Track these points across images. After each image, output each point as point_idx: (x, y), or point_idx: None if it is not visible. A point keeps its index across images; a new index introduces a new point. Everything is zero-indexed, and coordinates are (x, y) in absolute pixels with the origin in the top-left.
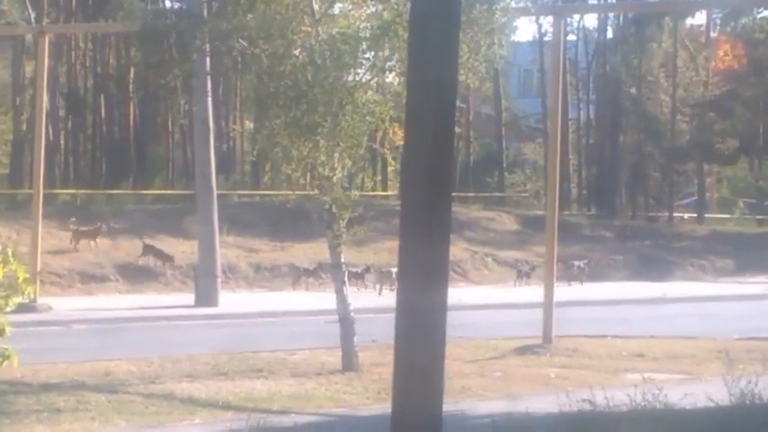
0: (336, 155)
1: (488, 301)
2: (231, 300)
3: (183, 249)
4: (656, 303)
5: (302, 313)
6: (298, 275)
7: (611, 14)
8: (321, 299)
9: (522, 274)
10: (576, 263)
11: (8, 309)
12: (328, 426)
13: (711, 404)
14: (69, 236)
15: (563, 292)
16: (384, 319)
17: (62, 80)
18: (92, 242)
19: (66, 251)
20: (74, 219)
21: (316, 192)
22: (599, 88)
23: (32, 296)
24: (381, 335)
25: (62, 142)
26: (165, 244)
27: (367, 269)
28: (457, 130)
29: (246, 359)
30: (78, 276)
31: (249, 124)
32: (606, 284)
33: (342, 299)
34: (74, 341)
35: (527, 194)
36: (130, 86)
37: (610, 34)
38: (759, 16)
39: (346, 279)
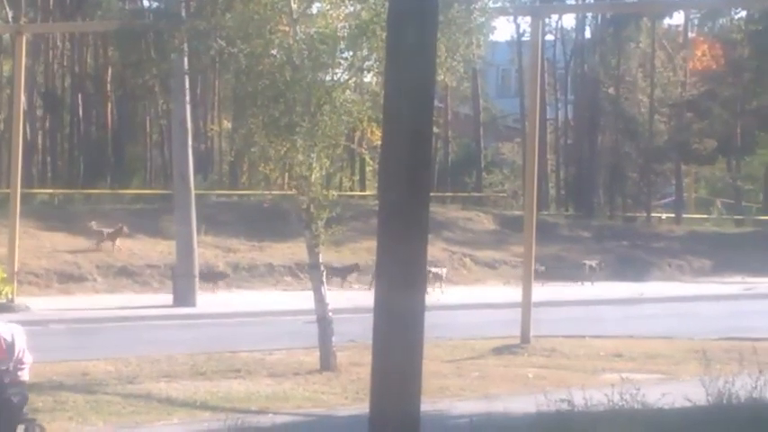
0: (314, 155)
1: (466, 301)
2: (209, 300)
3: (160, 249)
4: (633, 303)
5: (280, 313)
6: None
7: (589, 14)
8: (299, 298)
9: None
10: (588, 262)
11: None
12: (306, 426)
13: (689, 404)
14: (94, 237)
15: (543, 292)
16: (363, 319)
17: (40, 80)
18: (113, 243)
19: (43, 250)
20: (94, 222)
21: (294, 192)
22: (577, 88)
23: (10, 296)
24: (360, 334)
25: (39, 142)
26: (143, 244)
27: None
28: (435, 129)
29: (224, 359)
30: (56, 276)
31: (227, 124)
32: (584, 284)
33: (320, 298)
34: (51, 341)
35: (505, 194)
36: (108, 86)
37: (588, 34)
38: (736, 17)
39: (324, 279)
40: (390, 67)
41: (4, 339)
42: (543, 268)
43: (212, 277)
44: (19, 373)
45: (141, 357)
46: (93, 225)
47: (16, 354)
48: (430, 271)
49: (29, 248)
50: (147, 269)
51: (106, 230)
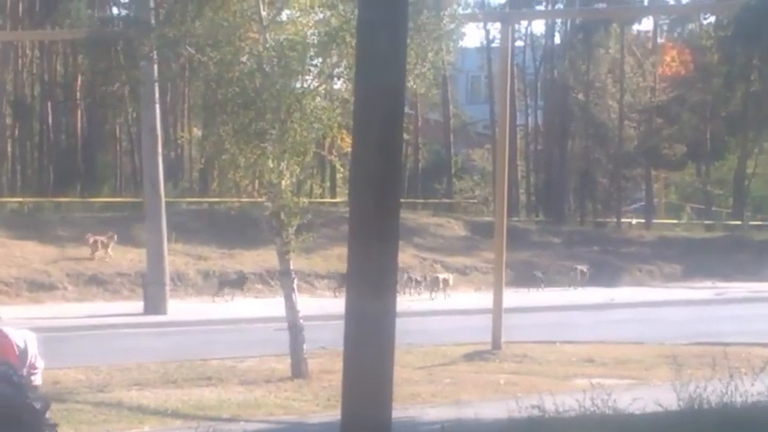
0: (284, 162)
1: (437, 308)
2: (180, 307)
3: (131, 257)
4: (604, 309)
5: (251, 320)
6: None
7: (558, 20)
8: (270, 306)
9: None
10: (579, 267)
11: None
12: None
13: (660, 409)
14: (89, 246)
15: (513, 298)
16: (334, 326)
17: (9, 88)
18: (107, 251)
19: (13, 259)
20: (89, 233)
21: (264, 199)
22: (547, 94)
23: None
24: (331, 341)
25: (9, 150)
26: (114, 252)
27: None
28: (405, 136)
29: (195, 367)
30: (26, 285)
31: (197, 131)
32: (554, 290)
33: (291, 306)
34: None
35: (475, 200)
36: (78, 94)
37: (557, 40)
38: (705, 22)
39: (294, 286)
40: (360, 74)
41: (17, 345)
42: (541, 274)
43: (235, 283)
44: (32, 378)
45: (112, 366)
46: (89, 236)
47: (29, 359)
48: (437, 277)
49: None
50: (117, 277)
51: (100, 239)
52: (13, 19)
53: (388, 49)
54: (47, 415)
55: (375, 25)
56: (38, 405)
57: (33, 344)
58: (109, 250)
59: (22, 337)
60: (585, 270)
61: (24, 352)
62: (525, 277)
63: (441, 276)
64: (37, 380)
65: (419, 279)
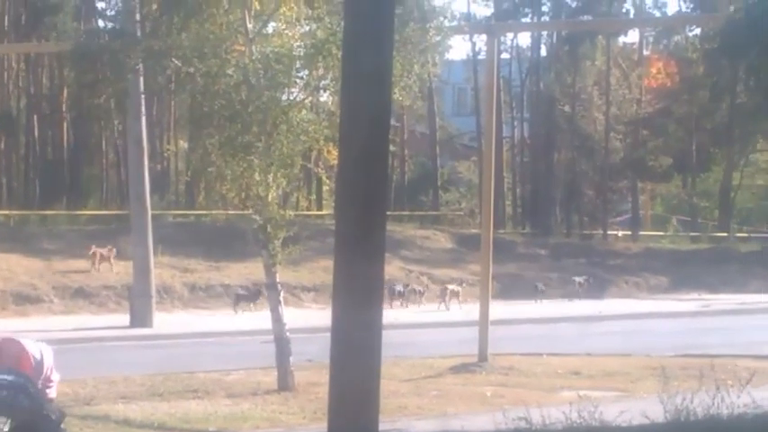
0: (271, 174)
1: (424, 320)
2: (166, 320)
3: (117, 270)
4: (591, 321)
5: (238, 333)
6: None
7: (544, 33)
8: (256, 318)
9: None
10: (578, 279)
11: None
12: None
13: (647, 421)
14: (89, 259)
15: (499, 310)
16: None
17: None
18: (110, 264)
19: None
20: (93, 245)
21: (250, 211)
22: (533, 106)
23: None
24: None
25: None
26: (100, 265)
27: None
28: (391, 148)
29: (182, 380)
30: (12, 297)
31: (183, 144)
32: (541, 302)
33: (277, 318)
34: None
35: (462, 213)
36: (63, 107)
37: (543, 52)
38: (691, 34)
39: (281, 299)
40: (346, 87)
41: (33, 357)
42: (543, 286)
43: (249, 297)
44: (47, 391)
45: (98, 378)
46: (93, 248)
47: (45, 371)
48: (447, 288)
49: None
50: (103, 290)
51: (100, 251)
52: None
53: (373, 61)
54: (62, 426)
55: (361, 38)
56: (53, 416)
57: (49, 356)
58: (111, 262)
59: (38, 350)
60: (583, 281)
61: (40, 364)
62: (510, 289)
63: (449, 287)
64: (52, 392)
65: (421, 290)
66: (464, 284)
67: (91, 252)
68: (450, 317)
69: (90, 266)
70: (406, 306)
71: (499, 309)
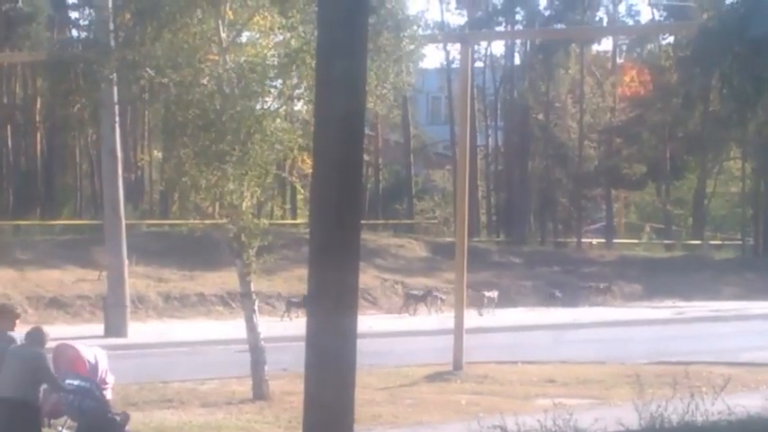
0: (245, 183)
1: (399, 329)
2: (141, 330)
3: (91, 280)
4: (565, 329)
5: (212, 342)
6: (407, 301)
7: (518, 41)
8: (231, 328)
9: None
10: (487, 293)
11: None
12: None
13: (622, 429)
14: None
15: (474, 318)
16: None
17: None
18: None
19: None
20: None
21: (225, 220)
22: (507, 115)
23: None
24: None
25: None
26: (73, 275)
27: (429, 292)
28: (365, 157)
29: (156, 389)
30: None
31: (157, 154)
32: (516, 310)
33: (252, 327)
34: None
35: (436, 221)
36: (37, 117)
37: (517, 61)
38: (664, 42)
39: (256, 308)
40: (320, 96)
41: (88, 361)
42: (560, 294)
43: (299, 304)
44: (103, 393)
45: None
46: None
47: (99, 374)
48: (483, 294)
49: None
50: (77, 300)
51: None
52: None
53: (347, 70)
54: (127, 428)
55: (334, 47)
56: (118, 418)
57: (104, 360)
58: (100, 275)
59: (92, 354)
60: (494, 296)
61: (95, 367)
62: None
63: (486, 294)
64: (108, 394)
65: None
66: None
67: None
68: (429, 325)
69: (98, 275)
70: (430, 313)
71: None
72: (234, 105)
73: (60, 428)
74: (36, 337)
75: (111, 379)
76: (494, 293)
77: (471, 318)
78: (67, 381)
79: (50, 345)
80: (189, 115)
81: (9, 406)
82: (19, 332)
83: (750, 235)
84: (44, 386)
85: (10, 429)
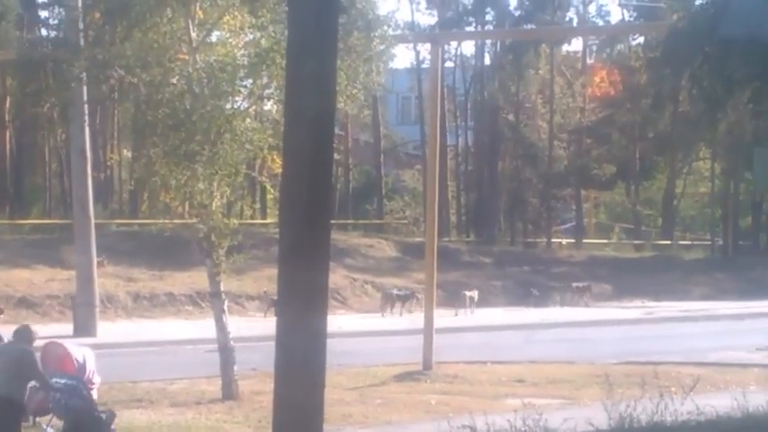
0: (215, 183)
1: (368, 328)
2: (110, 329)
3: (60, 279)
4: (535, 329)
5: (182, 342)
6: (388, 300)
7: (488, 42)
8: (200, 328)
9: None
10: (468, 293)
11: None
12: None
13: (591, 428)
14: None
15: (442, 318)
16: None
17: None
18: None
19: None
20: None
21: (194, 220)
22: (477, 115)
23: None
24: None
25: None
26: (43, 274)
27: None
28: (335, 157)
29: (126, 389)
30: None
31: (127, 153)
32: (485, 310)
33: (221, 327)
34: None
35: (406, 221)
36: (6, 116)
37: (487, 61)
38: (634, 43)
39: (225, 308)
40: (290, 96)
41: (76, 360)
42: (537, 292)
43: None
44: (90, 392)
45: None
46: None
47: (87, 374)
48: (465, 294)
49: None
50: (47, 299)
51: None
52: None
53: (317, 70)
54: (112, 426)
55: (304, 47)
56: (104, 416)
57: (92, 360)
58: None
59: (81, 353)
60: (475, 296)
61: (83, 367)
62: (455, 297)
63: (467, 293)
64: (93, 394)
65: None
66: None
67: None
68: (374, 326)
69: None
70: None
71: (443, 318)
72: (204, 105)
73: (45, 426)
74: (24, 334)
75: (97, 379)
76: (474, 293)
77: (449, 317)
78: (54, 379)
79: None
80: (159, 115)
81: None
82: (4, 330)
83: (719, 235)
84: (31, 384)
85: None
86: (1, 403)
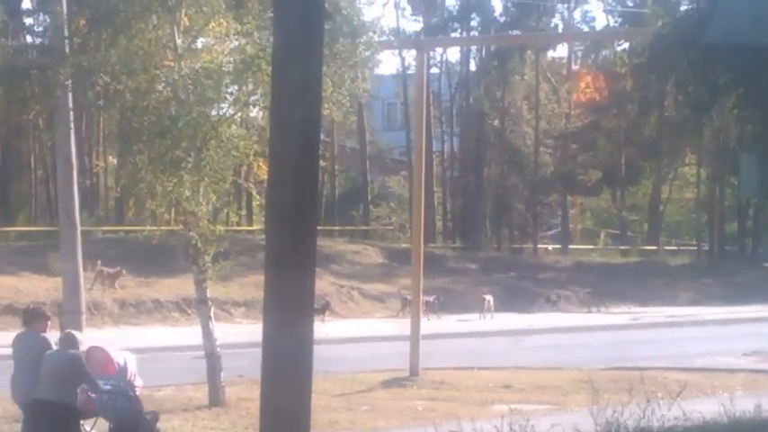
0: (201, 190)
1: (355, 335)
2: (96, 336)
3: (47, 286)
4: (521, 334)
5: (168, 349)
6: (403, 304)
7: (473, 47)
8: (187, 334)
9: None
10: (486, 297)
11: None
12: None
13: None
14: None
15: (430, 324)
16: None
17: None
18: (114, 283)
19: None
20: (99, 261)
21: (181, 227)
22: (462, 121)
23: None
24: (249, 369)
25: None
26: (29, 281)
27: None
28: (321, 163)
29: None
30: None
31: (113, 160)
32: (471, 316)
33: (208, 334)
34: None
35: (392, 227)
36: None
37: (473, 67)
38: (619, 49)
39: (212, 314)
40: (276, 103)
41: (117, 363)
42: (556, 298)
43: (319, 310)
44: (136, 393)
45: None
46: (99, 264)
47: (128, 377)
48: (484, 298)
49: None
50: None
51: (107, 270)
52: None
53: (303, 77)
54: (157, 426)
55: (290, 53)
56: (149, 417)
57: (132, 364)
58: (116, 283)
59: (122, 357)
60: (433, 300)
61: (123, 370)
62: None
63: (486, 297)
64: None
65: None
66: (440, 298)
67: (96, 269)
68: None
69: (92, 284)
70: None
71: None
72: (189, 112)
73: (89, 429)
74: (71, 340)
75: (139, 382)
76: (490, 297)
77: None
78: (100, 382)
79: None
80: (144, 121)
81: (49, 407)
82: (50, 334)
83: (705, 240)
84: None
85: (49, 430)
86: (56, 407)
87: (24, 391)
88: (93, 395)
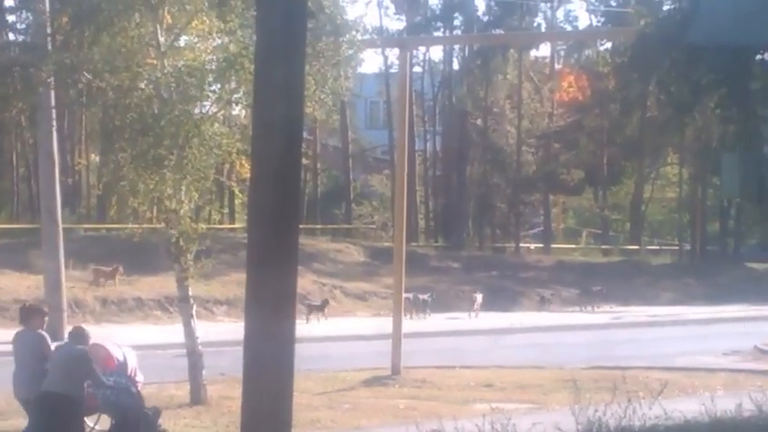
0: (183, 188)
1: (336, 333)
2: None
3: (28, 284)
4: (503, 333)
5: (150, 347)
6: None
7: (456, 46)
8: (168, 332)
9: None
10: (543, 293)
11: None
12: None
13: None
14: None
15: (411, 323)
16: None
17: None
18: (110, 281)
19: None
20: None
21: (163, 225)
22: (445, 120)
23: None
24: (231, 367)
25: None
26: (10, 279)
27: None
28: (303, 161)
29: None
30: None
31: (95, 158)
32: (454, 315)
33: (190, 332)
34: None
35: (375, 226)
36: None
37: (455, 66)
38: (602, 48)
39: (193, 312)
40: (258, 101)
41: (117, 358)
42: (550, 295)
43: (318, 308)
44: (138, 389)
45: (7, 393)
46: (93, 268)
47: (128, 372)
48: (474, 296)
49: None
50: (14, 304)
51: (102, 269)
52: None
53: (286, 75)
54: (159, 422)
55: (273, 52)
56: (150, 413)
57: (132, 359)
58: (114, 280)
59: (121, 352)
60: (548, 296)
61: (123, 365)
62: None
63: (476, 296)
64: None
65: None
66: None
67: (93, 269)
68: (343, 330)
69: (89, 284)
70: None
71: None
72: (172, 110)
73: (92, 425)
74: (80, 335)
75: (140, 377)
76: (480, 295)
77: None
78: (104, 377)
79: None
80: (127, 119)
81: (56, 399)
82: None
83: (687, 240)
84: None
85: (55, 422)
86: (61, 400)
87: (25, 387)
88: (96, 391)
